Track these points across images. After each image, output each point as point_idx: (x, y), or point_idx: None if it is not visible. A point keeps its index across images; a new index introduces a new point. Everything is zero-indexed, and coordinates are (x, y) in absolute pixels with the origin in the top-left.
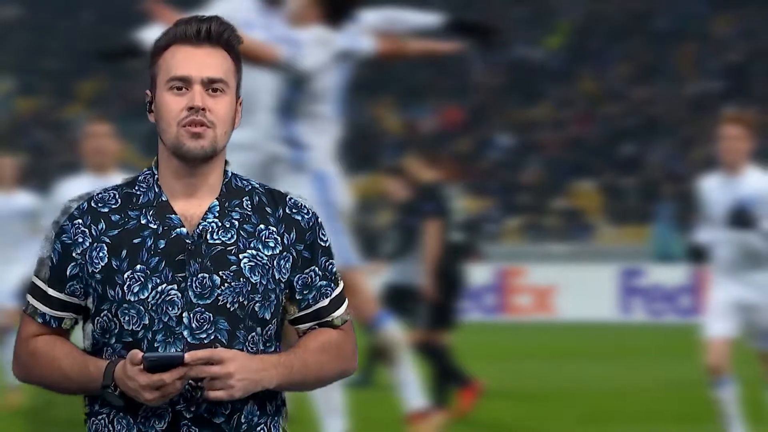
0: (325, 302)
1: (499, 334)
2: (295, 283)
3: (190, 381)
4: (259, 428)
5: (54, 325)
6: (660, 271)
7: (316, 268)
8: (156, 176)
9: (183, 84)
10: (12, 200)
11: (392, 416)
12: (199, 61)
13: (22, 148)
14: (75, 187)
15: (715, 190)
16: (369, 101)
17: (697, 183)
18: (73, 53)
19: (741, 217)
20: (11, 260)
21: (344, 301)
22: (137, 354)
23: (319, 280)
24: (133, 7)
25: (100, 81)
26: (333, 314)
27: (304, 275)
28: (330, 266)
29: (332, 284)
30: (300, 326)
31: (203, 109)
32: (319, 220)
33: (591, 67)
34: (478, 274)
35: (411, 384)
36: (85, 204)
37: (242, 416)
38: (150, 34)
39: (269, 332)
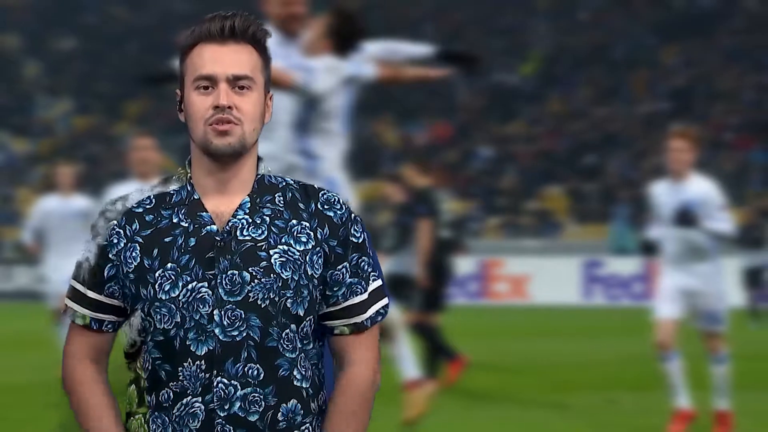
0: (355, 300)
1: (481, 316)
2: (328, 279)
3: (223, 380)
4: (303, 428)
5: (95, 327)
6: (617, 263)
7: (347, 265)
8: (189, 175)
9: (209, 83)
10: (70, 203)
11: (391, 385)
12: (224, 59)
13: (79, 159)
14: (123, 192)
15: (663, 194)
16: (371, 119)
17: (649, 188)
18: (122, 78)
19: (685, 217)
20: (70, 254)
21: (378, 300)
22: None
23: (349, 277)
24: (172, 38)
25: (145, 102)
26: (362, 315)
27: (336, 272)
28: (362, 263)
29: (363, 282)
30: (328, 323)
31: (230, 107)
32: (354, 216)
33: (558, 90)
34: (463, 265)
35: (407, 357)
36: (120, 205)
37: (279, 414)
38: None
39: (305, 329)
